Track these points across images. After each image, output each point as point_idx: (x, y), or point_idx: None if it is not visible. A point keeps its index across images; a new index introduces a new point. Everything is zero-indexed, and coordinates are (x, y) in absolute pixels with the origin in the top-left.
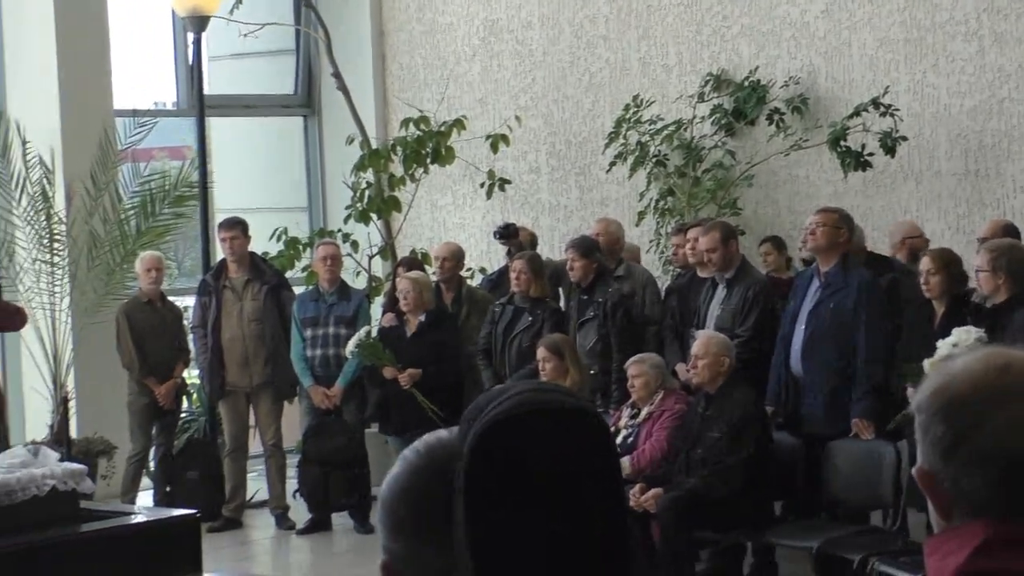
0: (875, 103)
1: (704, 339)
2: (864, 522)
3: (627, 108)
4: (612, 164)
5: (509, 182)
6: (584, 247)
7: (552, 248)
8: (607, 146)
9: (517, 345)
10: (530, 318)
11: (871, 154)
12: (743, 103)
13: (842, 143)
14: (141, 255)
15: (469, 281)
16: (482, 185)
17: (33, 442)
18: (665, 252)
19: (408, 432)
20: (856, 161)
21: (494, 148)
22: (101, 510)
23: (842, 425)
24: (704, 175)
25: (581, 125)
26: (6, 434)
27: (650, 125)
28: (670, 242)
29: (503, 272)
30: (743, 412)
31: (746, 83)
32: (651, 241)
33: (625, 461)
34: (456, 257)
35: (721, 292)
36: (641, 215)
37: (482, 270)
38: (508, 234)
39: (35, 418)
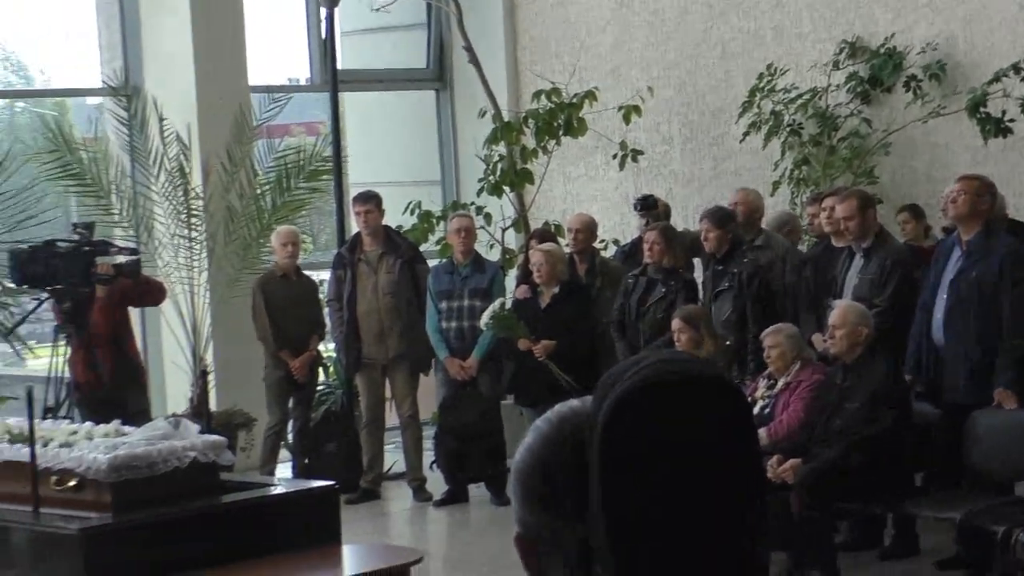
0: (1015, 68)
1: (842, 309)
2: (1008, 494)
3: (761, 77)
4: (746, 134)
5: (642, 153)
6: (718, 217)
7: (686, 219)
8: (741, 115)
9: (651, 316)
10: (663, 289)
11: (1011, 120)
12: (879, 70)
13: (981, 109)
14: (277, 229)
15: (602, 253)
16: (614, 156)
17: (174, 415)
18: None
19: (542, 403)
20: (996, 127)
21: (626, 119)
22: (241, 482)
23: (984, 395)
24: (840, 144)
25: (714, 95)
26: (147, 407)
27: (784, 94)
28: (805, 212)
29: (636, 243)
30: (882, 382)
31: (882, 50)
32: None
33: (762, 432)
34: (589, 229)
35: (859, 262)
36: (776, 185)
37: (615, 242)
38: (648, 205)
39: (175, 391)
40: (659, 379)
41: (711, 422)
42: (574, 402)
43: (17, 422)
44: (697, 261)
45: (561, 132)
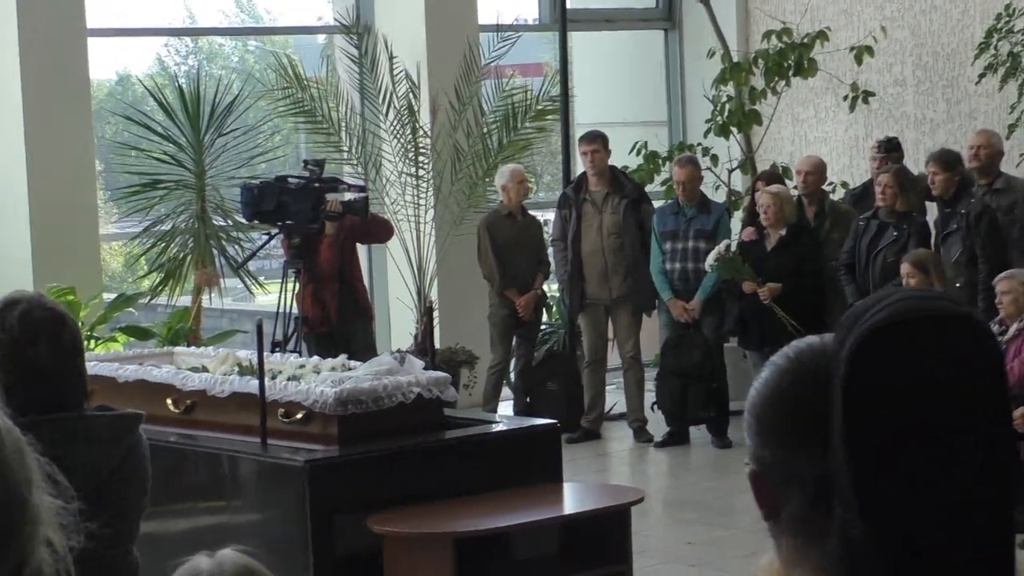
0: None
1: None
2: None
3: (999, 18)
4: (981, 76)
5: (873, 95)
6: (945, 160)
7: (917, 162)
8: (976, 57)
9: (881, 260)
10: (895, 233)
11: None
12: None
13: None
14: (503, 168)
15: (831, 195)
16: (845, 98)
17: (399, 351)
18: None
19: (767, 347)
20: None
21: (858, 60)
22: (463, 418)
23: None
24: None
25: (949, 36)
26: (373, 343)
27: (1023, 35)
28: None
29: (867, 186)
30: None
31: None
32: (1021, 155)
33: None
34: (818, 171)
35: None
36: (1011, 128)
37: (844, 184)
38: (892, 147)
39: (400, 328)
40: (906, 315)
41: (960, 361)
42: (812, 338)
43: (246, 355)
44: (932, 206)
45: (791, 73)
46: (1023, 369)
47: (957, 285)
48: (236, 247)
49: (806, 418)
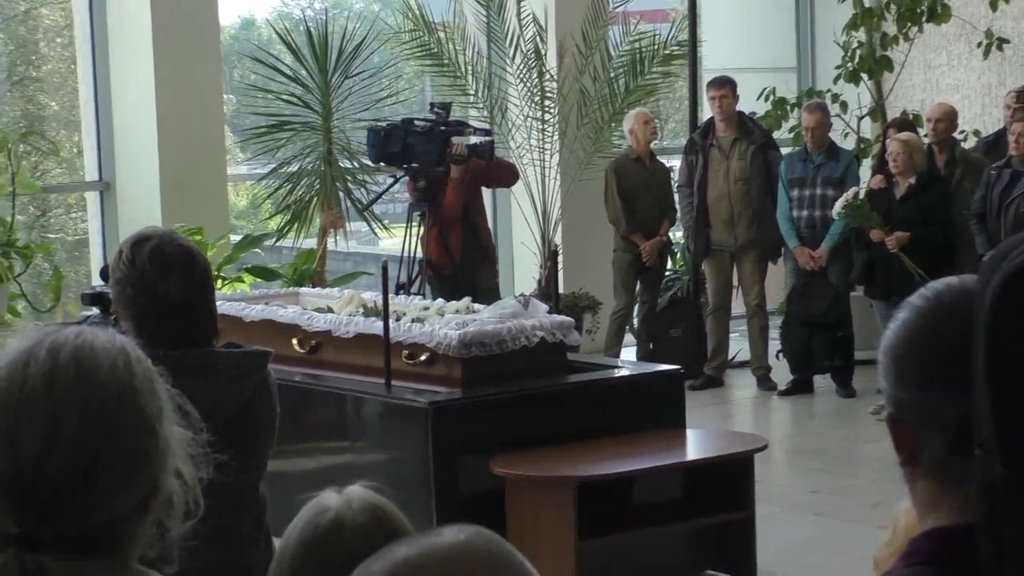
0: None
1: None
2: None
3: None
4: None
5: (1007, 42)
6: None
7: None
8: None
9: (1014, 210)
10: None
11: None
12: None
13: None
14: (630, 113)
15: (962, 144)
16: (979, 45)
17: (523, 295)
18: None
19: (893, 296)
20: None
21: (993, 6)
22: (587, 362)
23: None
24: None
25: None
26: (496, 287)
27: None
28: None
29: (1000, 135)
30: None
31: None
32: None
33: None
34: (949, 118)
35: None
36: None
37: (975, 133)
38: None
39: (524, 272)
40: None
41: None
42: (952, 279)
43: (371, 296)
44: None
45: (924, 19)
46: None
47: None
48: (362, 189)
49: (947, 358)
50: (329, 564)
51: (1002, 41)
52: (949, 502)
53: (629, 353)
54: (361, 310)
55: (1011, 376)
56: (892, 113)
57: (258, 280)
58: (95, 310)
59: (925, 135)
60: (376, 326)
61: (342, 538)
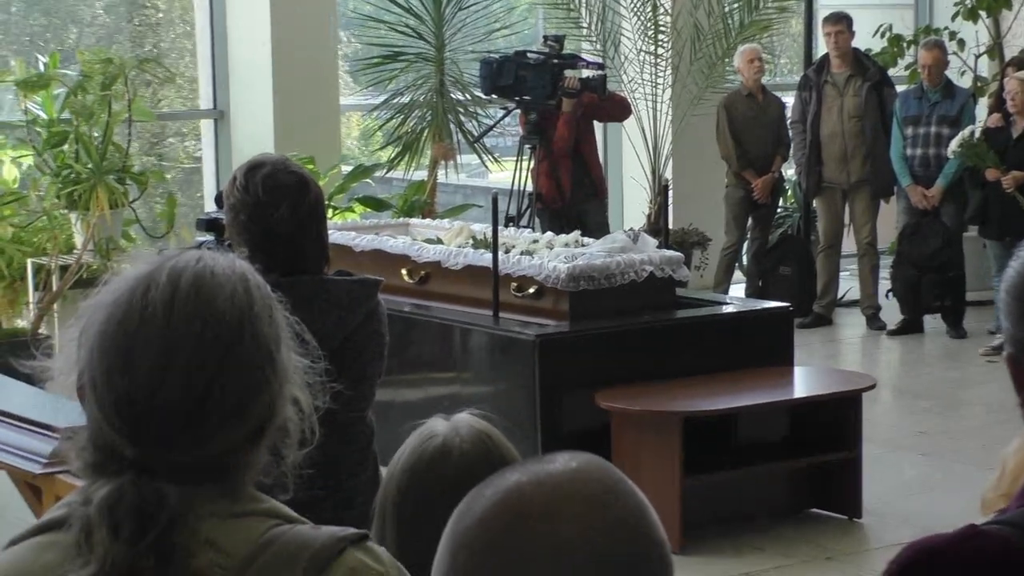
0: None
1: None
2: None
3: None
4: None
5: None
6: None
7: None
8: None
9: None
10: None
11: None
12: None
13: None
14: (741, 48)
15: None
16: None
17: (632, 229)
18: None
19: (1008, 237)
20: None
21: None
22: (695, 298)
23: None
24: None
25: None
26: (606, 221)
27: None
28: None
29: None
30: None
31: None
32: None
33: None
34: None
35: None
36: None
37: None
38: None
39: (633, 208)
40: None
41: None
42: None
43: (480, 228)
44: None
45: None
46: None
47: None
48: (473, 122)
49: None
50: (436, 490)
51: None
52: None
53: (738, 290)
54: (470, 242)
55: None
56: (1010, 52)
57: (368, 210)
58: (209, 236)
59: None
60: (485, 258)
61: (449, 464)
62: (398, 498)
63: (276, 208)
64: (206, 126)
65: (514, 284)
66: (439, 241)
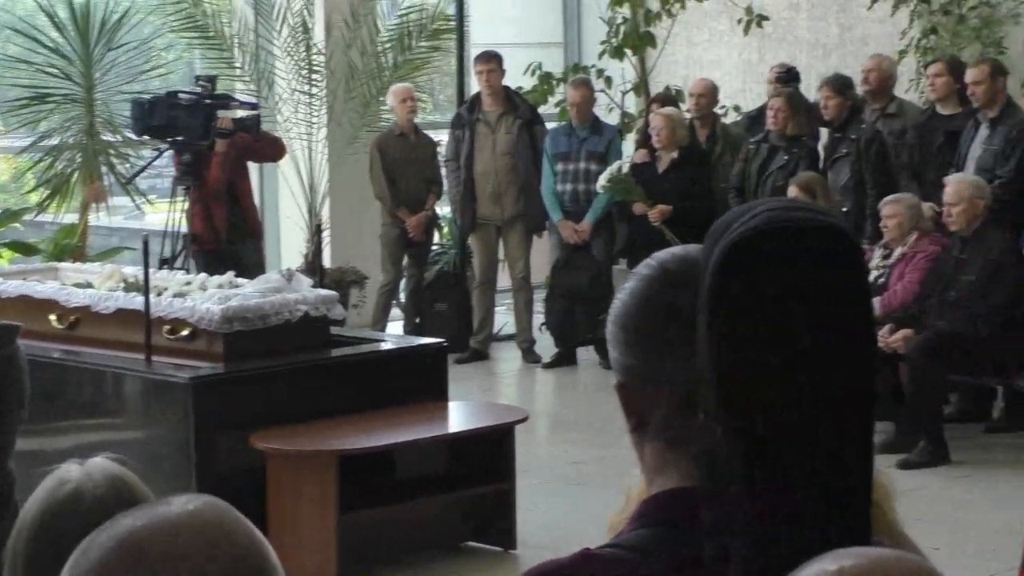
0: None
1: (955, 185)
2: None
3: None
4: (874, 0)
5: (767, 19)
6: (838, 84)
7: (809, 87)
8: None
9: (771, 183)
10: (785, 157)
11: None
12: None
13: None
14: (393, 87)
15: (723, 119)
16: (739, 21)
17: (287, 269)
18: (924, 93)
19: None
20: None
21: None
22: (351, 337)
23: None
24: (969, 12)
25: None
26: (262, 262)
27: None
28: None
29: (763, 110)
30: (999, 255)
31: None
32: (911, 80)
33: (876, 302)
34: (711, 94)
35: (984, 132)
36: (902, 54)
37: (736, 108)
38: (790, 78)
39: (290, 247)
40: (771, 225)
41: (825, 269)
42: (676, 248)
43: (132, 271)
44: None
45: None
46: (905, 292)
47: (844, 210)
48: (125, 163)
49: (673, 324)
50: (66, 536)
51: (762, 18)
52: (676, 465)
53: (396, 328)
54: (122, 285)
55: (731, 342)
56: (655, 88)
57: (17, 256)
58: None
59: (687, 110)
60: (136, 301)
61: (80, 510)
62: (29, 546)
63: None
64: None
65: (167, 327)
66: (89, 285)
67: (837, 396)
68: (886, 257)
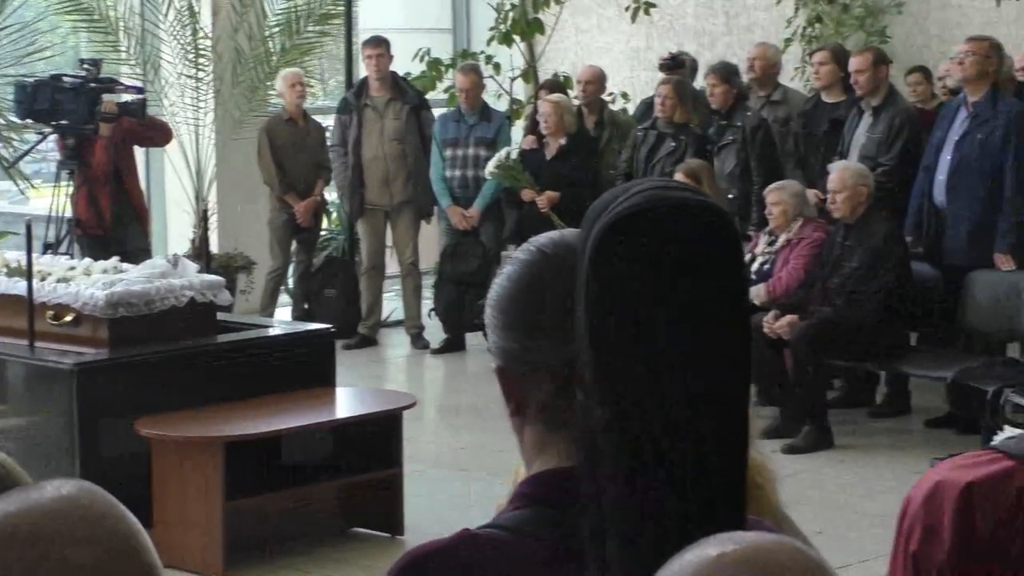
0: None
1: (839, 173)
2: (1001, 355)
3: None
4: None
5: (654, 6)
6: (724, 72)
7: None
8: None
9: (659, 170)
10: (673, 144)
11: None
12: None
13: None
14: (282, 72)
15: (611, 105)
16: (627, 9)
17: (173, 255)
18: (810, 81)
19: None
20: None
21: None
22: (238, 323)
23: (983, 257)
24: (854, 2)
25: None
26: (148, 247)
27: None
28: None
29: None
30: (882, 242)
31: None
32: (796, 68)
33: (760, 288)
34: (599, 81)
35: (867, 120)
36: (787, 42)
37: (624, 95)
38: (675, 65)
39: (177, 233)
40: (650, 204)
41: (700, 247)
42: (554, 232)
43: (15, 256)
44: None
45: None
46: (790, 278)
47: (729, 196)
48: (9, 147)
49: (551, 307)
50: None
51: (649, 5)
52: (555, 447)
53: (285, 313)
54: (5, 270)
55: (608, 323)
56: (544, 75)
57: None
58: None
59: (575, 97)
60: (19, 286)
61: None
62: None
63: None
64: None
65: (51, 313)
66: None
67: (712, 371)
68: (771, 244)
